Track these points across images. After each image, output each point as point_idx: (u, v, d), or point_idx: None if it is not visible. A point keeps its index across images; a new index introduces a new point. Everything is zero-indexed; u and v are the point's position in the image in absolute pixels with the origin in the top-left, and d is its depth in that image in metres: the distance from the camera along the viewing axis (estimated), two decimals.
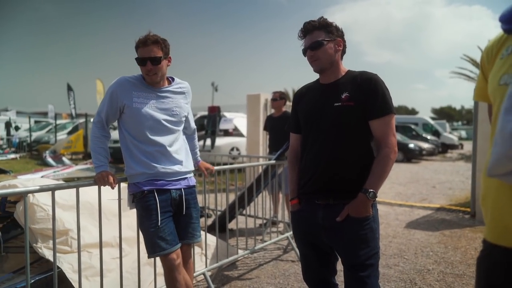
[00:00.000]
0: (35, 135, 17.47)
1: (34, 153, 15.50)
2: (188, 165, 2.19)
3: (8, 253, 3.42)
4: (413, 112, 60.76)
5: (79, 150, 13.58)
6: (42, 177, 8.55)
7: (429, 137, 18.72)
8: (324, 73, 1.76)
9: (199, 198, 3.19)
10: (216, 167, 2.76)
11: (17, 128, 18.63)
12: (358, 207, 1.60)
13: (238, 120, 11.24)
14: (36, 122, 21.80)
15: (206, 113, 10.80)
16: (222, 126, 10.05)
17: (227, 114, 11.76)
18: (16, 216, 3.01)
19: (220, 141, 10.68)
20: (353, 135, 1.67)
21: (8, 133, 18.12)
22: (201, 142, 10.87)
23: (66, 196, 3.09)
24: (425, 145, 16.12)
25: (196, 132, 2.50)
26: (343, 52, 1.77)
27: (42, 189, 1.89)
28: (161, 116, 2.04)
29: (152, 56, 1.93)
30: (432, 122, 22.29)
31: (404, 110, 61.50)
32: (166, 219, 2.04)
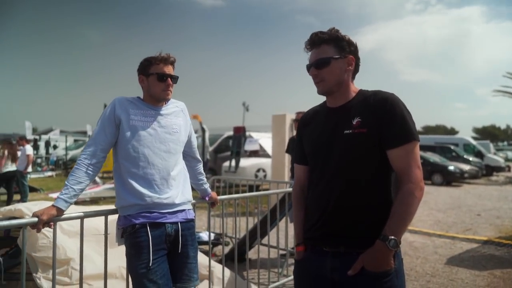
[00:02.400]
0: (71, 153, 18.20)
1: (69, 171, 16.06)
2: (186, 195, 1.94)
3: (15, 280, 3.28)
4: (452, 131, 57.81)
5: (110, 169, 13.87)
6: None
7: (471, 158, 17.67)
8: (333, 96, 1.49)
9: (216, 223, 2.95)
10: (223, 196, 2.49)
11: (55, 147, 19.54)
12: (375, 259, 1.27)
13: (265, 140, 11.00)
14: (75, 141, 22.84)
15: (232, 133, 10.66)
16: (247, 147, 9.85)
17: (254, 134, 11.57)
18: (19, 242, 2.89)
19: (246, 162, 10.45)
20: (368, 168, 1.37)
21: (47, 152, 19.01)
22: (227, 163, 10.71)
23: (72, 222, 2.93)
24: (467, 167, 15.07)
25: (201, 162, 2.25)
26: (356, 70, 1.50)
27: (10, 225, 1.70)
28: (160, 134, 1.88)
29: (172, 74, 1.93)
30: (474, 142, 20.98)
31: (442, 129, 58.74)
32: (159, 258, 1.79)
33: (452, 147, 18.47)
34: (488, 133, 53.88)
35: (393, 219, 1.29)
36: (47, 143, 19.70)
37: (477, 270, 4.02)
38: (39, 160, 18.13)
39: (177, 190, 1.89)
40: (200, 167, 2.23)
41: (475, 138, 28.12)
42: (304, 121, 1.61)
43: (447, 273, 3.94)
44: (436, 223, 6.66)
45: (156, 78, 1.87)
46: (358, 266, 1.30)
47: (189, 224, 1.92)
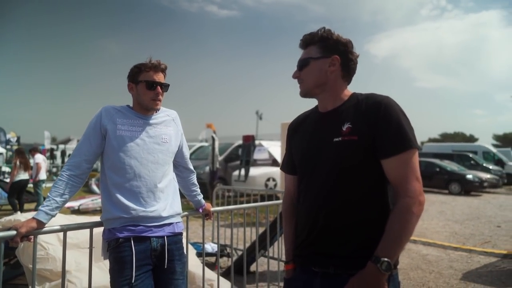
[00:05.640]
0: None
1: None
2: (175, 207, 1.87)
3: None
4: (471, 139, 56.12)
5: None
6: (80, 205, 8.75)
7: (491, 166, 17.14)
8: (319, 99, 1.40)
9: (225, 233, 2.84)
10: (217, 208, 2.40)
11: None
12: (366, 283, 1.14)
13: (275, 149, 10.88)
14: None
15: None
16: (256, 155, 9.75)
17: (265, 143, 11.47)
18: (17, 253, 2.87)
19: (256, 171, 10.34)
20: (361, 181, 1.25)
21: (63, 161, 19.39)
22: (237, 172, 10.63)
23: (70, 233, 2.89)
24: (487, 176, 14.54)
25: (194, 173, 2.17)
26: (349, 72, 1.37)
27: None
28: (148, 144, 1.80)
29: (163, 82, 1.85)
30: (494, 149, 20.32)
31: (461, 137, 57.17)
32: (142, 274, 1.70)
33: (471, 155, 17.97)
34: (510, 140, 52.10)
35: (387, 239, 1.16)
36: (63, 153, 20.12)
37: (496, 287, 3.78)
38: (54, 169, 18.47)
39: (165, 203, 1.81)
40: (193, 177, 2.15)
41: (495, 146, 27.22)
42: (293, 128, 1.51)
43: None
44: (452, 235, 6.37)
45: (145, 86, 1.80)
46: None
47: (176, 238, 1.84)
